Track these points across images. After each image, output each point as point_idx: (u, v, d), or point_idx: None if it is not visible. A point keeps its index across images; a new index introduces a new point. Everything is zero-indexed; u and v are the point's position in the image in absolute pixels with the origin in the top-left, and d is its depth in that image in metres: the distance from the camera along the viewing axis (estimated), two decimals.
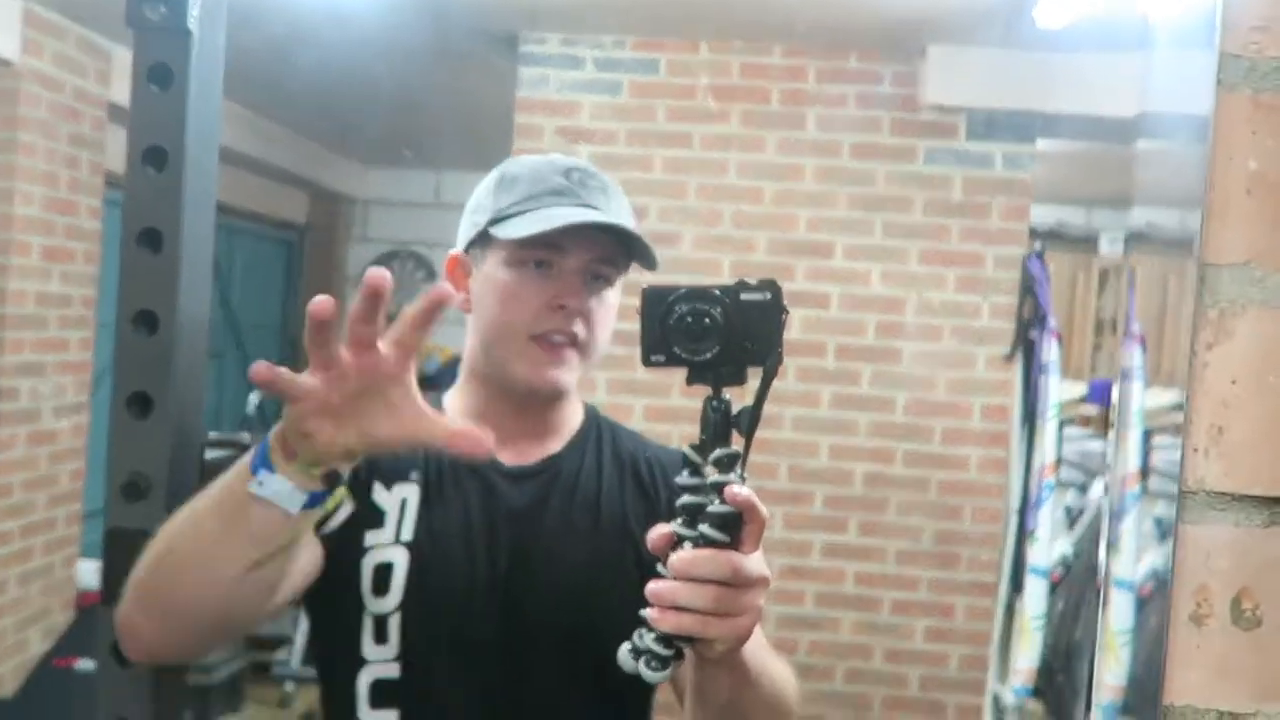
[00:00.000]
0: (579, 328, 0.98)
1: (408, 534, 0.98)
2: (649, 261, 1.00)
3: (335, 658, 1.00)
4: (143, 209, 0.93)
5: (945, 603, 2.96)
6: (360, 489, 0.99)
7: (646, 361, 0.75)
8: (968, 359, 2.98)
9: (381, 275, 0.69)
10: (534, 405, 1.03)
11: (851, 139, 3.03)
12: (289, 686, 4.09)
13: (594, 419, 1.10)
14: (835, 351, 3.01)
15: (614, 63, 3.09)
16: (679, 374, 0.75)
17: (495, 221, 0.99)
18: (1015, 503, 3.15)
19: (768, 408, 0.74)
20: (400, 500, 0.99)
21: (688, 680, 0.85)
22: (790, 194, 3.03)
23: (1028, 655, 3.11)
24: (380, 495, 0.99)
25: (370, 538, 0.97)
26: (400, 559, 0.97)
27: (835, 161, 3.03)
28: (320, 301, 0.67)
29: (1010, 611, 3.19)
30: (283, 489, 0.73)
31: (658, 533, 0.74)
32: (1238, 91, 0.35)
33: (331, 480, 0.75)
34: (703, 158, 3.05)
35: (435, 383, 4.52)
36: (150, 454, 0.90)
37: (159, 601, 0.83)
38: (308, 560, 0.94)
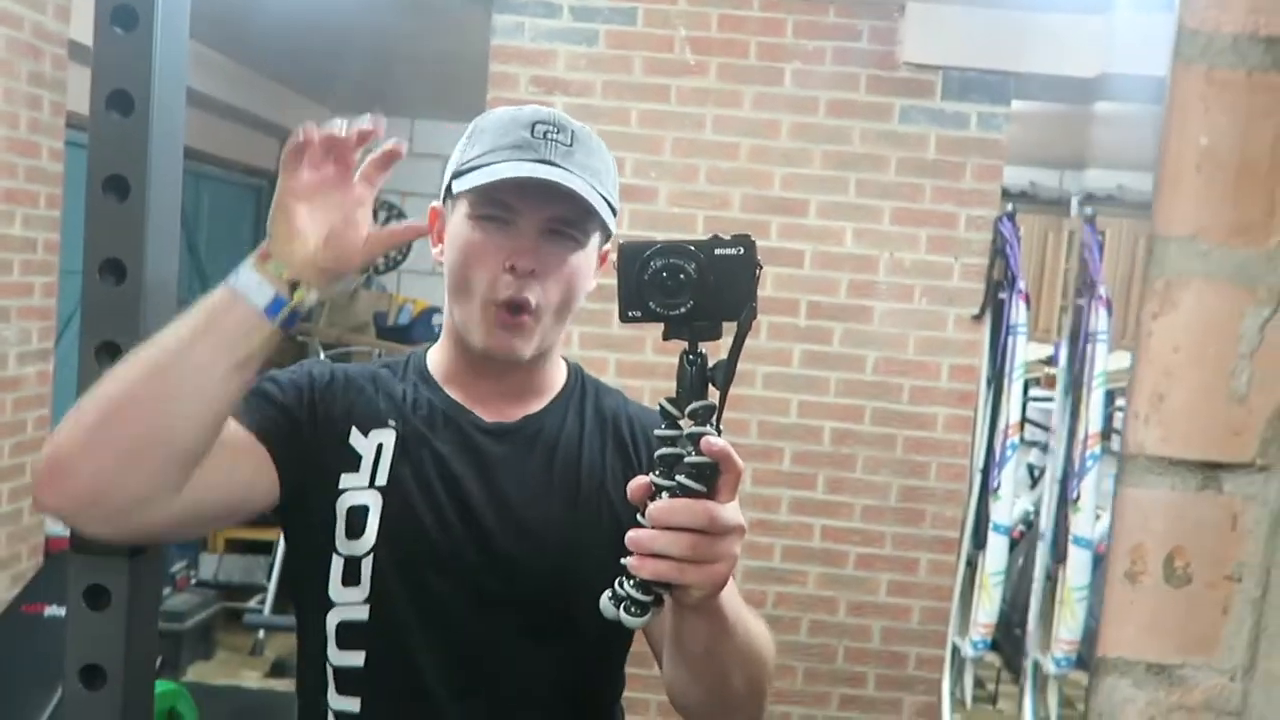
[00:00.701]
0: (533, 292, 0.97)
1: (382, 479, 0.99)
2: (605, 225, 0.99)
3: (308, 598, 1.01)
4: (108, 155, 0.91)
5: (909, 558, 3.02)
6: (338, 434, 1.00)
7: (623, 317, 0.76)
8: (938, 319, 3.01)
9: (377, 128, 0.90)
10: (504, 367, 1.02)
11: (828, 95, 3.02)
12: (260, 634, 4.12)
13: (577, 378, 1.10)
14: (807, 309, 3.02)
15: (591, 11, 3.04)
16: (654, 329, 0.76)
17: (457, 175, 0.99)
18: (979, 461, 3.21)
19: (740, 365, 0.75)
20: (376, 445, 1.00)
21: (666, 631, 0.87)
22: (766, 150, 3.02)
23: (987, 610, 3.20)
24: (357, 440, 1.00)
25: (345, 480, 0.99)
26: (374, 502, 0.98)
27: (811, 119, 3.02)
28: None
29: (971, 567, 3.27)
30: (252, 281, 0.84)
31: (636, 483, 0.76)
32: (1192, 66, 0.36)
33: (294, 289, 0.85)
34: (679, 112, 3.03)
35: (408, 333, 4.50)
36: None
37: (111, 418, 0.81)
38: (254, 475, 0.94)
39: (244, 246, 5.59)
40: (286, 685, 3.70)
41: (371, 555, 0.97)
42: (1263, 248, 0.36)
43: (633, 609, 0.75)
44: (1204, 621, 0.37)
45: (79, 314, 0.93)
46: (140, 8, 0.91)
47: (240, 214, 5.61)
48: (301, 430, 0.99)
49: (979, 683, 3.68)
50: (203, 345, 0.83)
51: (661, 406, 0.77)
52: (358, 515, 0.98)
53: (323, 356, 4.48)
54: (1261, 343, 0.36)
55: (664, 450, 0.76)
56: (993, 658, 3.82)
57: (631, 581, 0.75)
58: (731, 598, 0.81)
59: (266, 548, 4.28)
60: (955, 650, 3.30)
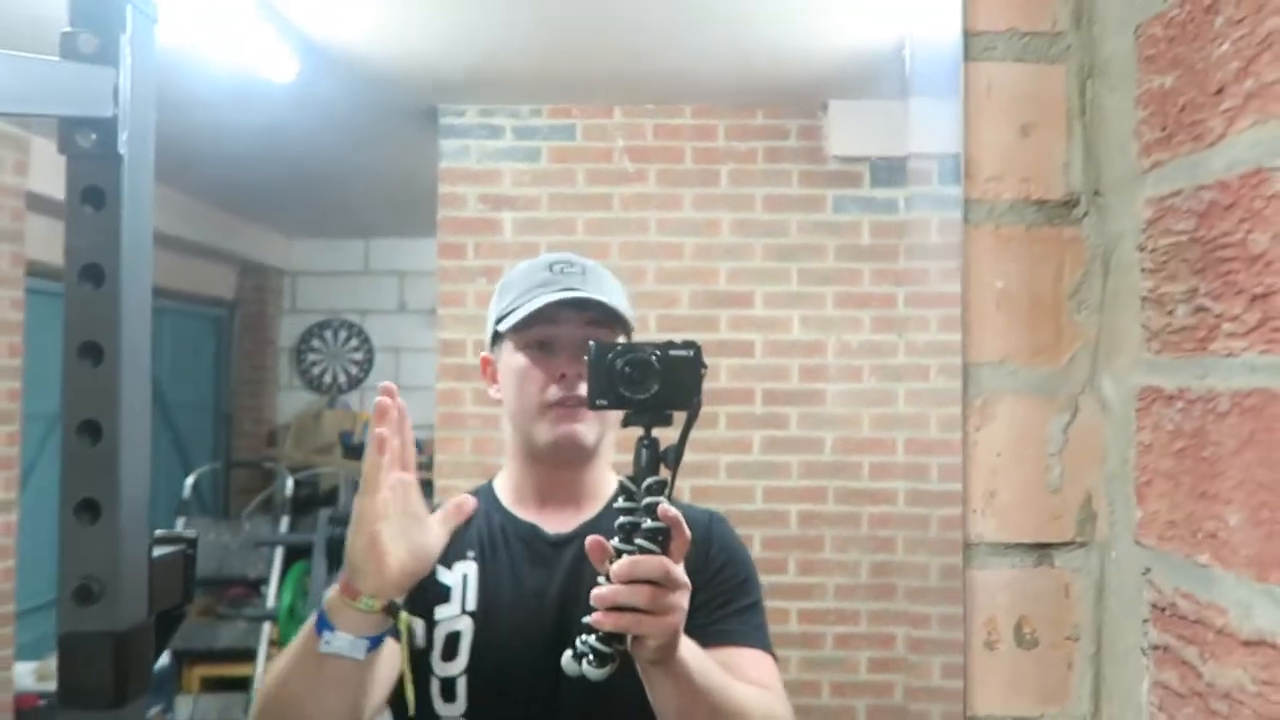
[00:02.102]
0: (583, 390, 1.09)
1: (471, 604, 1.11)
2: (625, 326, 1.15)
3: (413, 714, 1.11)
4: (82, 323, 0.97)
5: (885, 633, 3.05)
6: (428, 573, 1.11)
7: (592, 405, 0.91)
8: (888, 396, 3.11)
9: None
10: (566, 471, 1.16)
11: (763, 192, 3.17)
12: None
13: (625, 486, 1.22)
14: (763, 397, 3.11)
15: (532, 130, 3.19)
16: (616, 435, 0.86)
17: (500, 320, 1.16)
18: None
19: (703, 456, 0.87)
20: (462, 576, 1.13)
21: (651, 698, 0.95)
22: (709, 248, 3.15)
23: None
24: (444, 575, 1.13)
25: (439, 611, 1.11)
26: (466, 627, 1.10)
27: (749, 214, 3.16)
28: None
29: None
30: (345, 642, 0.91)
31: (592, 539, 0.88)
32: (981, 227, 0.45)
33: (390, 611, 0.92)
34: (623, 218, 3.16)
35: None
36: (100, 558, 0.93)
37: None
38: (391, 668, 1.06)
39: (205, 376, 5.62)
40: None
41: (466, 675, 1.09)
42: (1057, 365, 0.44)
43: (594, 661, 0.86)
44: (1054, 677, 0.44)
45: (39, 464, 0.99)
46: (108, 188, 0.98)
47: (201, 344, 5.64)
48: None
49: None
50: (321, 697, 0.93)
51: (621, 483, 0.90)
52: (453, 640, 1.10)
53: (290, 480, 4.47)
54: (1066, 443, 0.44)
55: (623, 520, 0.88)
56: None
57: (593, 636, 0.86)
58: (702, 664, 0.92)
59: (244, 684, 4.19)
60: None
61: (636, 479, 0.88)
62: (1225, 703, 0.36)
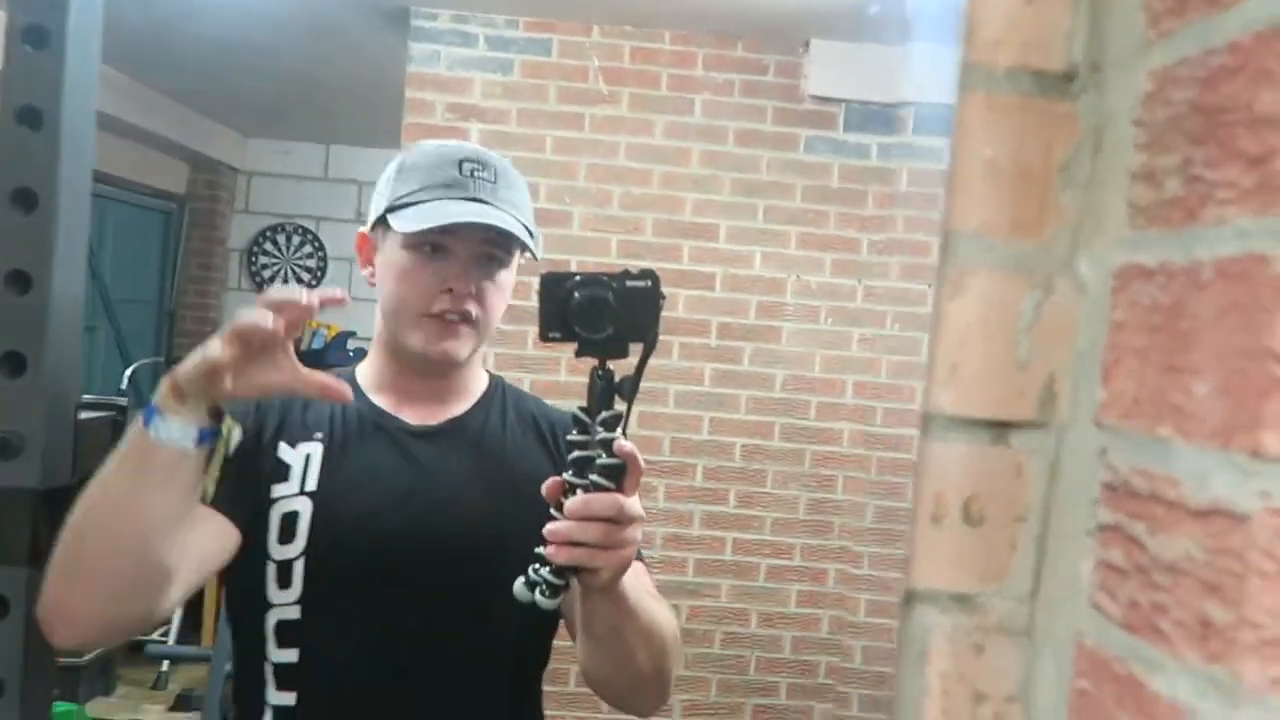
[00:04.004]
0: (470, 306, 1.06)
1: (311, 484, 1.05)
2: (532, 252, 1.08)
3: (247, 602, 1.06)
4: (16, 167, 0.93)
5: (818, 568, 3.12)
6: (267, 448, 1.06)
7: (544, 337, 0.88)
8: (842, 339, 3.13)
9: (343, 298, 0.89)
10: (435, 372, 1.10)
11: (736, 125, 3.13)
12: (164, 666, 3.99)
13: (498, 384, 1.19)
14: (718, 330, 3.11)
15: (506, 41, 3.10)
16: (567, 351, 0.85)
17: (391, 209, 1.06)
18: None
19: (653, 384, 0.86)
20: (305, 455, 1.07)
21: (577, 615, 0.96)
22: (677, 177, 3.11)
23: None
24: (285, 453, 1.06)
25: (277, 489, 1.05)
26: (304, 508, 1.04)
27: (721, 147, 3.12)
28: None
29: None
30: (175, 429, 0.84)
31: (551, 482, 0.87)
32: (975, 93, 0.43)
33: (217, 415, 0.86)
34: (593, 139, 3.10)
35: (323, 357, 4.44)
36: (23, 413, 0.91)
37: (84, 566, 0.87)
38: (214, 540, 1.00)
39: (151, 272, 5.46)
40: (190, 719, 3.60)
41: (303, 558, 1.03)
42: (1037, 240, 0.43)
43: (546, 592, 0.86)
44: (996, 556, 0.44)
45: None
46: (53, 27, 0.93)
47: (148, 239, 5.47)
48: (248, 454, 1.05)
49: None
50: (145, 494, 0.85)
51: (574, 415, 0.88)
52: (289, 521, 1.04)
53: None
54: (1037, 319, 0.43)
55: (576, 454, 0.86)
56: None
57: (546, 568, 0.85)
58: (633, 584, 0.91)
59: None
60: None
61: (590, 410, 0.86)
62: (1169, 575, 0.36)
